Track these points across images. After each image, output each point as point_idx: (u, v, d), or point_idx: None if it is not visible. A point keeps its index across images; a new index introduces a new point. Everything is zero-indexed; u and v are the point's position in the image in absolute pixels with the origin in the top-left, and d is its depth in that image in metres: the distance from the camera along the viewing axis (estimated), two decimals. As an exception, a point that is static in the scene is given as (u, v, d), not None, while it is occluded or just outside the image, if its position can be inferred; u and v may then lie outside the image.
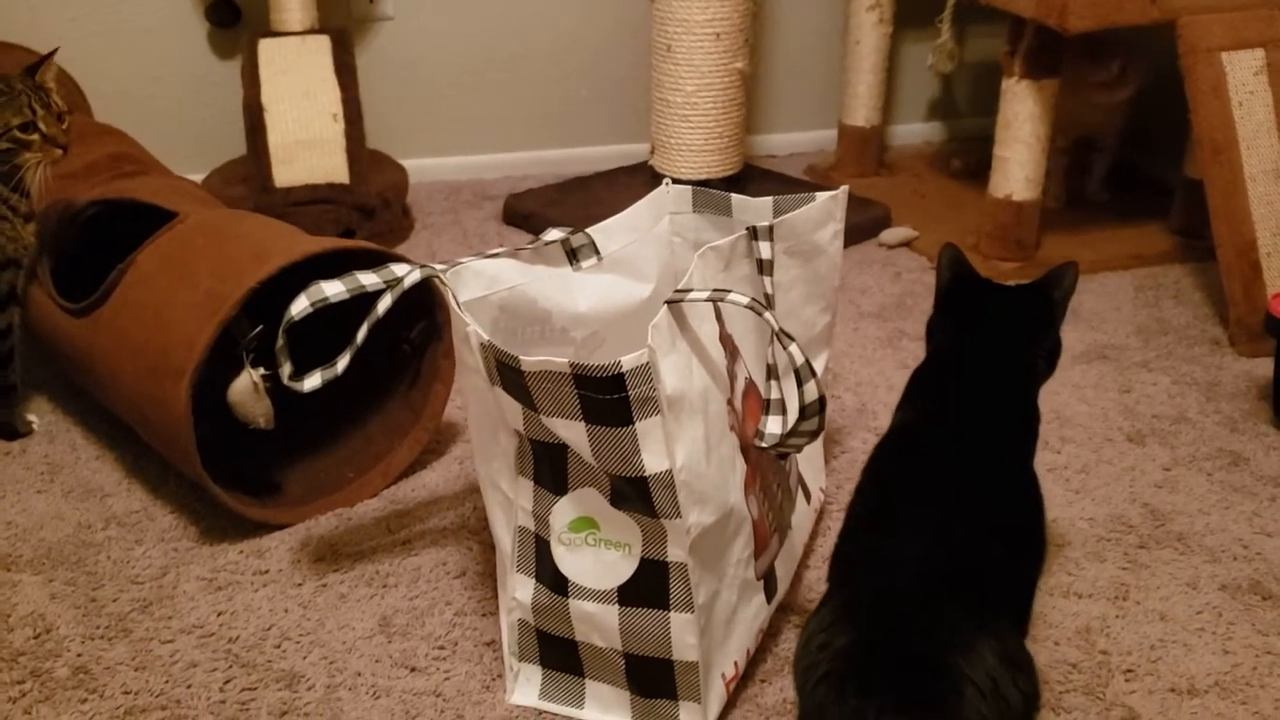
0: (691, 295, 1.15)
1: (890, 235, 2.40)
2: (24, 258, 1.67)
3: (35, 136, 1.60)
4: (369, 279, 1.26)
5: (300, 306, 1.23)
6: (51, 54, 1.67)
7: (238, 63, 2.40)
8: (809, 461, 1.52)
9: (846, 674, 0.93)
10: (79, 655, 1.33)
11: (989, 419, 1.20)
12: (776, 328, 1.16)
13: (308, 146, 2.26)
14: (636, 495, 1.12)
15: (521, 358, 1.10)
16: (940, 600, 0.97)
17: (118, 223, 1.73)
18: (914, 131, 2.95)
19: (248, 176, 2.33)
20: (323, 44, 2.31)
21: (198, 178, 2.36)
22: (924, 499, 1.09)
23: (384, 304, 1.25)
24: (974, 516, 1.07)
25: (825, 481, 1.61)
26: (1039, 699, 0.98)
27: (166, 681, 1.30)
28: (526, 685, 1.27)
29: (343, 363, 1.29)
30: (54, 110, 1.63)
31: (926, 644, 0.94)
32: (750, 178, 2.53)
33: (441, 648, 1.35)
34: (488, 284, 1.31)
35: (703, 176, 2.40)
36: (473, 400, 1.23)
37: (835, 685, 0.93)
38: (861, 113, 2.67)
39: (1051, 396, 1.84)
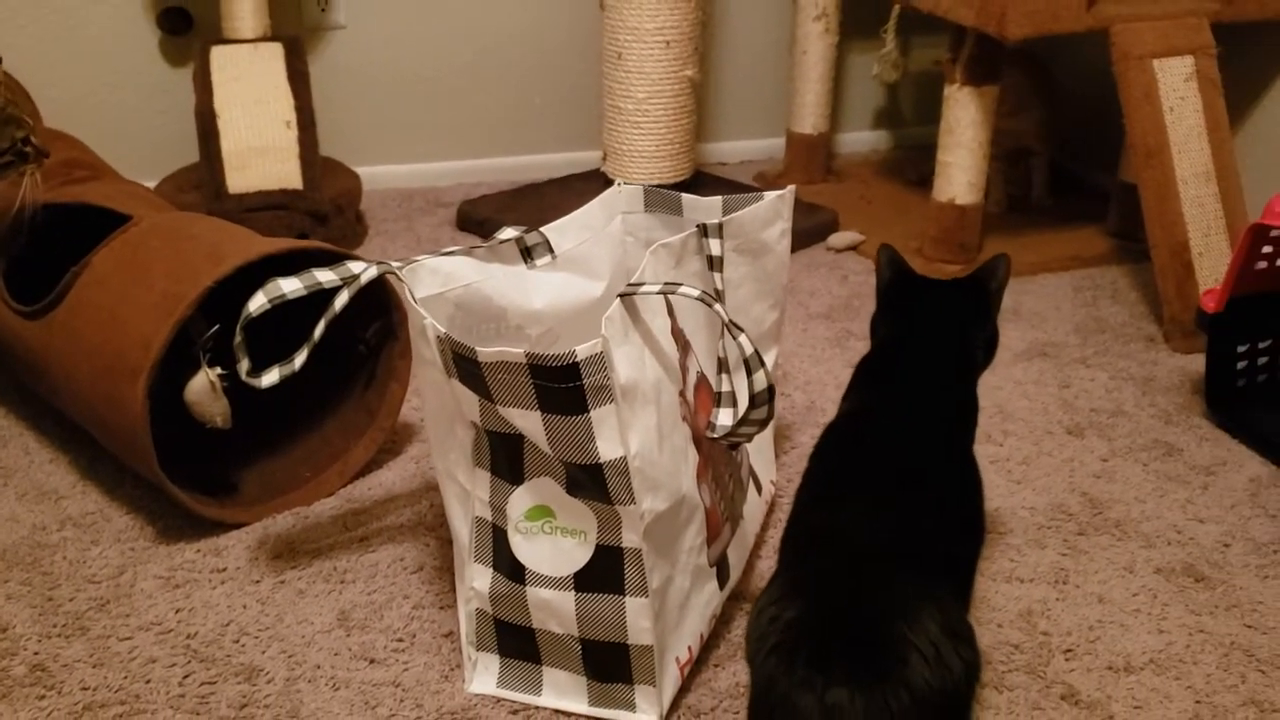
0: (644, 288, 1.18)
1: (838, 239, 2.46)
2: None
3: (30, 149, 1.55)
4: (326, 276, 1.28)
5: (258, 303, 1.25)
6: None
7: (189, 70, 2.40)
8: (760, 454, 1.56)
9: (796, 645, 0.97)
10: (35, 654, 1.34)
11: (930, 405, 1.25)
12: (726, 319, 1.20)
13: (261, 153, 2.27)
14: (591, 482, 1.15)
15: (478, 349, 1.12)
16: (885, 573, 1.01)
17: (69, 228, 1.73)
18: (860, 139, 3.01)
19: (200, 183, 2.34)
20: (275, 51, 2.32)
21: (150, 185, 2.35)
22: (868, 480, 1.14)
23: (341, 300, 1.27)
24: (916, 496, 1.11)
25: (776, 475, 1.65)
26: (980, 669, 1.02)
27: (125, 677, 1.30)
28: (485, 674, 1.29)
29: (300, 359, 1.30)
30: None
31: (873, 614, 0.98)
32: (701, 183, 2.57)
33: (400, 640, 1.36)
34: (443, 281, 1.33)
35: (655, 182, 2.44)
36: (430, 394, 1.26)
37: (785, 656, 0.96)
38: (809, 121, 2.72)
39: (993, 392, 1.90)
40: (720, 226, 1.38)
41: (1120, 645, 1.37)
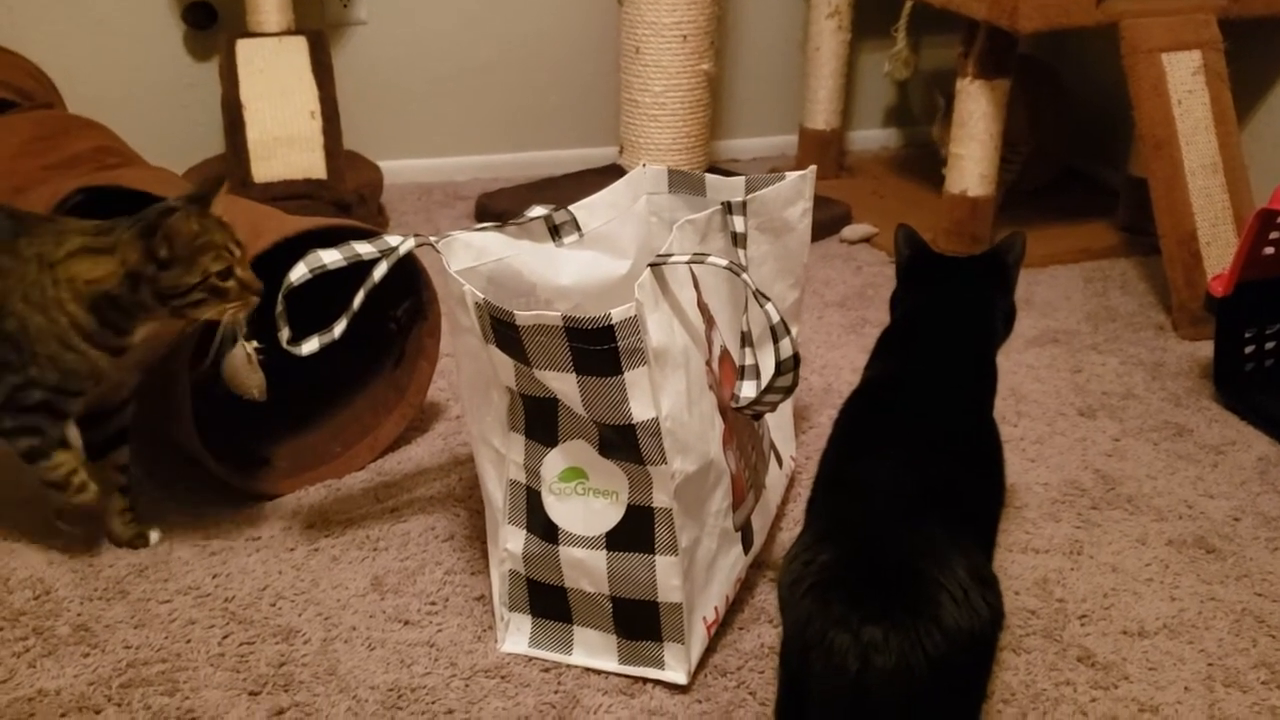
0: (674, 258, 1.22)
1: (851, 231, 2.50)
2: (86, 387, 1.37)
3: (232, 284, 1.32)
4: (364, 248, 1.32)
5: (299, 273, 1.29)
6: (223, 182, 1.37)
7: (214, 64, 2.45)
8: (780, 429, 1.60)
9: (830, 586, 1.00)
10: (79, 615, 1.37)
11: (952, 370, 1.28)
12: (753, 288, 1.23)
13: (286, 143, 2.31)
14: (624, 443, 1.19)
15: (516, 312, 1.16)
16: (915, 521, 1.05)
17: (105, 211, 1.77)
18: (872, 136, 3.05)
19: (226, 174, 2.37)
20: (300, 44, 2.37)
21: (178, 174, 2.40)
22: (895, 438, 1.17)
23: (380, 271, 1.31)
24: (941, 453, 1.14)
25: (795, 452, 1.69)
26: (1003, 617, 1.05)
27: (166, 637, 1.34)
28: (517, 634, 1.32)
29: (340, 327, 1.34)
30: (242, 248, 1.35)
31: (904, 557, 1.01)
32: (716, 177, 2.61)
33: (433, 603, 1.40)
34: (476, 255, 1.38)
35: (670, 175, 2.48)
36: (465, 361, 1.30)
37: (820, 596, 1.00)
38: (821, 117, 2.76)
39: (1007, 376, 1.94)
40: (744, 204, 1.42)
41: (1134, 611, 1.41)
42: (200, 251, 1.30)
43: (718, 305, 1.37)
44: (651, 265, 1.20)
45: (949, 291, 1.37)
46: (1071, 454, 1.74)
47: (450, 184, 2.74)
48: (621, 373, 1.15)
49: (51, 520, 1.48)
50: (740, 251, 1.42)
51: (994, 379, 1.33)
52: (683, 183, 1.59)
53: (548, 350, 1.17)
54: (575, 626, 1.30)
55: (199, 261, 1.30)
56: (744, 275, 1.24)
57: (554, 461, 1.25)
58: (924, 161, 2.85)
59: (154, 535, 1.51)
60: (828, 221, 2.50)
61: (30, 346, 1.34)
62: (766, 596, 1.41)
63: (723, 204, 1.41)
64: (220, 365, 1.53)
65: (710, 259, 1.23)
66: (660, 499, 1.21)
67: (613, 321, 1.13)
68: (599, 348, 1.14)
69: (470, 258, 1.37)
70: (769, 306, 1.22)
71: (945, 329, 1.33)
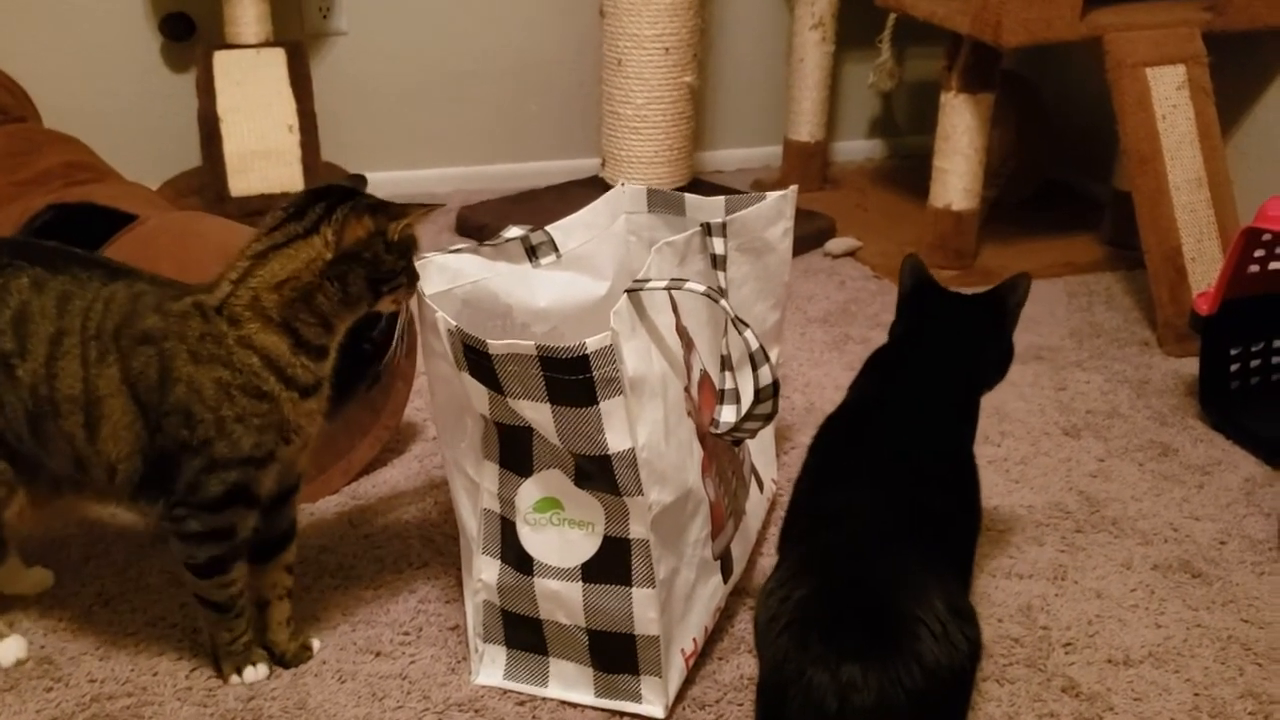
0: (651, 284, 1.20)
1: (835, 245, 2.48)
2: (278, 449, 1.20)
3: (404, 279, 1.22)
4: (337, 271, 1.29)
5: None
6: (435, 207, 1.25)
7: (191, 76, 2.42)
8: (761, 453, 1.58)
9: (807, 623, 0.98)
10: (42, 647, 1.34)
11: (933, 405, 1.26)
12: (732, 314, 1.21)
13: (263, 157, 2.28)
14: (600, 474, 1.17)
15: (489, 341, 1.14)
16: (891, 552, 1.03)
17: (74, 227, 1.74)
18: (856, 148, 3.04)
19: (202, 187, 2.35)
20: (278, 56, 2.34)
21: (151, 188, 2.37)
22: (871, 467, 1.15)
23: (352, 294, 1.28)
24: (917, 483, 1.12)
25: (777, 474, 1.66)
26: (981, 650, 1.04)
27: (132, 670, 1.31)
28: (491, 666, 1.30)
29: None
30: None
31: (881, 591, 0.99)
32: (699, 190, 2.57)
33: (406, 633, 1.37)
34: (452, 278, 1.35)
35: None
36: (439, 386, 1.27)
37: (797, 633, 0.98)
38: (806, 128, 2.75)
39: (992, 394, 1.91)
40: (724, 225, 1.40)
41: (1119, 639, 1.39)
42: (412, 241, 1.21)
43: (696, 327, 1.35)
44: (629, 291, 1.18)
45: (942, 327, 1.34)
46: (1056, 475, 1.72)
47: (429, 196, 2.70)
48: (597, 403, 1.13)
49: (216, 655, 1.28)
50: (720, 274, 1.39)
51: (974, 418, 1.32)
52: (662, 202, 1.57)
53: (521, 380, 1.14)
54: (551, 659, 1.27)
55: (409, 249, 1.20)
56: (723, 302, 1.22)
57: (529, 491, 1.22)
58: (909, 173, 2.83)
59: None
60: (811, 235, 2.48)
61: (210, 414, 1.15)
62: (746, 624, 1.38)
63: (702, 225, 1.38)
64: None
65: (688, 285, 1.20)
66: (637, 530, 1.18)
67: (588, 351, 1.11)
68: (574, 377, 1.12)
69: (445, 280, 1.34)
70: (748, 334, 1.20)
71: (931, 364, 1.31)
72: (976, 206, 2.32)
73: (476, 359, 1.16)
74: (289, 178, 2.30)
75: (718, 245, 1.39)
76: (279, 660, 1.32)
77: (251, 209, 2.26)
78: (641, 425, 1.15)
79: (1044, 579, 1.49)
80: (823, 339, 2.11)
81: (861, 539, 1.05)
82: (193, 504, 1.19)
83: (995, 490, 1.67)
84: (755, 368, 1.20)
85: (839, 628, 0.97)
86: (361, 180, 1.29)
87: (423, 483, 1.66)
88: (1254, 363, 1.90)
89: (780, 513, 1.59)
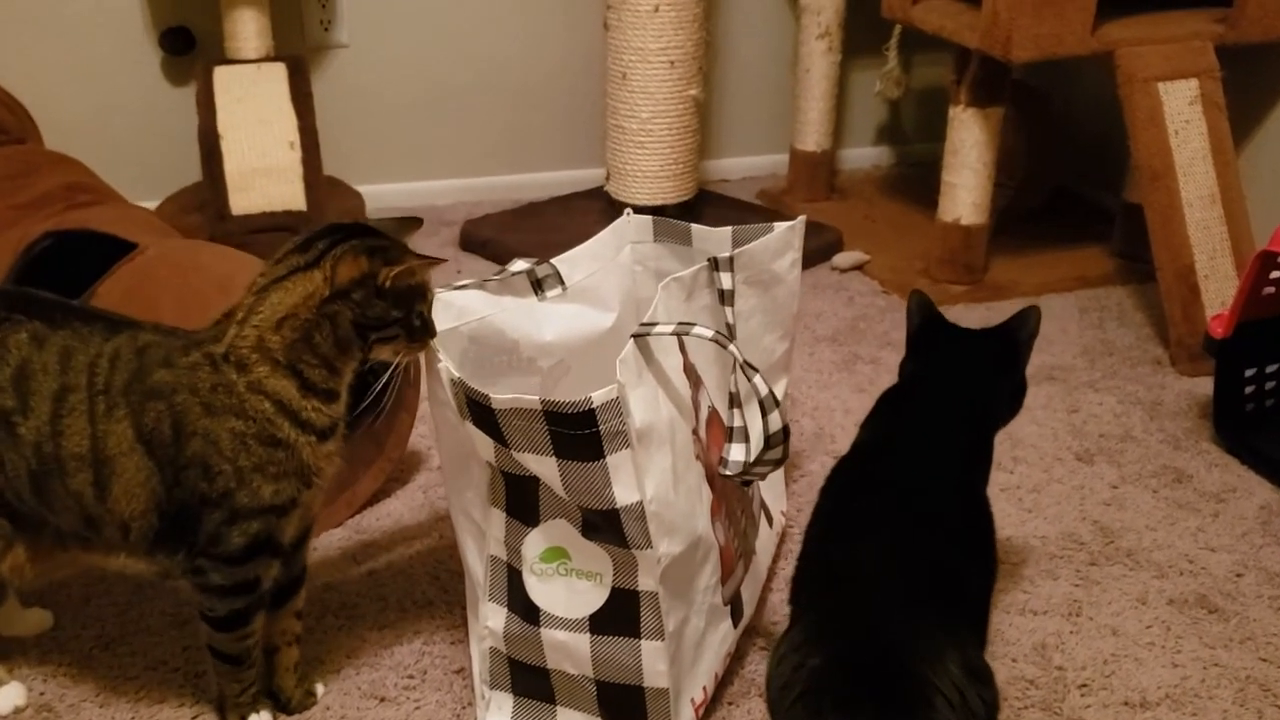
0: (657, 329, 1.17)
1: (842, 259, 2.45)
2: (300, 495, 1.18)
3: (420, 326, 1.18)
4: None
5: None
6: (437, 261, 1.21)
7: (192, 90, 2.39)
8: (770, 485, 1.55)
9: (822, 692, 0.96)
10: (41, 694, 1.32)
11: (944, 447, 1.24)
12: (741, 359, 1.19)
13: (264, 174, 2.26)
14: (608, 527, 1.14)
15: (492, 395, 1.11)
16: (904, 613, 1.01)
17: (73, 255, 1.72)
18: (863, 156, 3.01)
19: (203, 204, 2.33)
20: (279, 72, 2.31)
21: (152, 205, 2.35)
22: (883, 518, 1.13)
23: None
24: (931, 535, 1.10)
25: (786, 505, 1.64)
26: (998, 710, 1.02)
27: (132, 717, 1.29)
28: (498, 713, 1.28)
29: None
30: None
31: (896, 657, 0.97)
32: (705, 203, 2.57)
33: (410, 677, 1.35)
34: (457, 315, 1.33)
35: (658, 202, 2.43)
36: (444, 432, 1.25)
37: (812, 704, 0.96)
38: (812, 138, 2.72)
39: (1002, 417, 1.89)
40: (731, 260, 1.37)
41: (1135, 680, 1.37)
42: (415, 291, 1.16)
43: (704, 363, 1.32)
44: (635, 336, 1.16)
45: (953, 365, 1.32)
46: (1069, 503, 1.70)
47: (433, 209, 2.68)
48: (604, 456, 1.10)
49: (223, 705, 1.26)
50: (728, 309, 1.37)
51: (988, 460, 1.29)
52: (668, 232, 1.54)
53: (526, 433, 1.12)
54: (559, 707, 1.25)
55: (411, 299, 1.16)
56: (731, 346, 1.19)
57: (535, 541, 1.20)
58: (916, 182, 2.80)
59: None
60: (818, 249, 2.45)
61: (229, 465, 1.13)
62: (757, 667, 1.36)
63: (709, 260, 1.36)
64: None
65: (696, 330, 1.18)
66: (646, 583, 1.16)
67: (594, 405, 1.08)
68: (579, 432, 1.09)
69: (451, 318, 1.32)
70: (757, 380, 1.17)
71: (942, 404, 1.28)
72: (986, 221, 2.29)
73: (479, 411, 1.14)
74: (291, 195, 2.27)
75: (725, 280, 1.37)
76: (283, 706, 1.30)
77: (253, 227, 2.24)
78: (649, 477, 1.13)
79: (1058, 615, 1.47)
80: (831, 359, 2.09)
81: (874, 597, 1.03)
82: (215, 556, 1.17)
83: (1009, 520, 1.65)
84: (765, 414, 1.18)
85: (852, 697, 0.95)
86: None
87: (427, 516, 1.64)
88: (1269, 385, 1.88)
89: (790, 545, 1.58)
